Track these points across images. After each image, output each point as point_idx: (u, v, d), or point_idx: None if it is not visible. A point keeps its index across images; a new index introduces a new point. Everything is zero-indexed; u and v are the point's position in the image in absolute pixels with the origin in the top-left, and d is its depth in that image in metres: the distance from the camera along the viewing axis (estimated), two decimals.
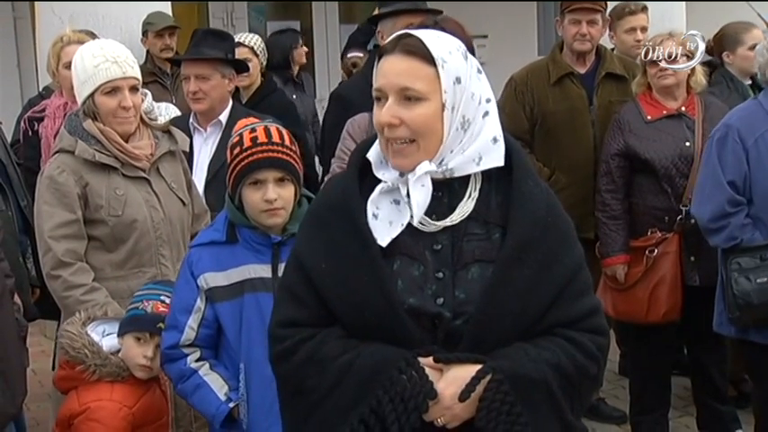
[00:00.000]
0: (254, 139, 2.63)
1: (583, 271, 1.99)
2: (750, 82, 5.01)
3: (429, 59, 1.87)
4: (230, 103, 4.18)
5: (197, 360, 2.71)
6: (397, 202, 1.92)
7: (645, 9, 5.28)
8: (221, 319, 2.68)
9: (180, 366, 2.71)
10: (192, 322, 2.68)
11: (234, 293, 2.66)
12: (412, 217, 1.91)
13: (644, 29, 5.21)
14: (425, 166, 1.88)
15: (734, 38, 4.97)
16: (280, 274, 2.59)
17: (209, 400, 2.68)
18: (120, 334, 2.93)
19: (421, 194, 1.88)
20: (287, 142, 2.68)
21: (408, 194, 1.90)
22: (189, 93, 4.09)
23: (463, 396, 1.84)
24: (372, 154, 1.98)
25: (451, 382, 1.85)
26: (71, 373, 2.89)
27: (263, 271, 2.66)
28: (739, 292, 3.57)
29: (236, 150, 2.64)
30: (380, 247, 1.90)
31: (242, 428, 2.69)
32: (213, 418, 2.70)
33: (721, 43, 4.98)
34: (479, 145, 1.91)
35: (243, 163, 2.61)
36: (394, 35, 1.95)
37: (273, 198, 2.62)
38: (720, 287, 3.72)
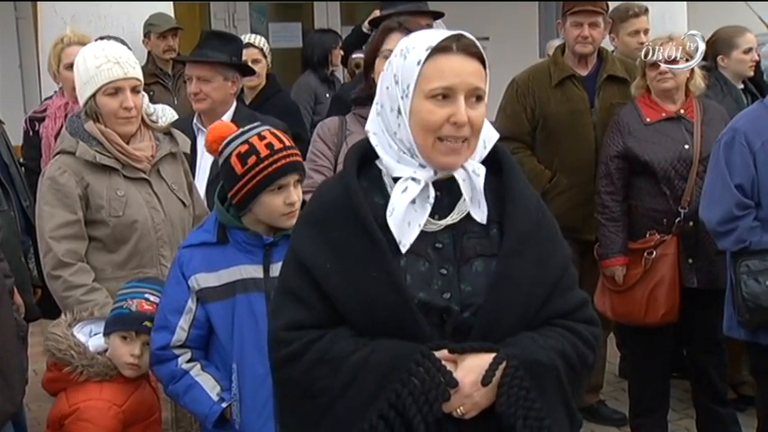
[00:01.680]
0: (269, 146, 2.64)
1: (571, 266, 2.06)
2: (742, 86, 5.02)
3: (483, 61, 1.93)
4: (234, 104, 4.18)
5: (188, 361, 2.71)
6: (413, 202, 1.93)
7: (647, 11, 5.29)
8: (213, 319, 2.68)
9: (171, 367, 2.71)
10: (184, 323, 2.69)
11: (225, 294, 2.66)
12: (428, 218, 1.94)
13: (646, 31, 5.22)
14: (475, 164, 1.95)
15: (728, 42, 4.98)
16: (272, 274, 2.62)
17: (201, 400, 2.69)
18: (106, 333, 2.92)
19: (476, 188, 1.94)
20: (292, 143, 2.72)
21: (436, 194, 1.93)
22: (191, 93, 4.12)
23: (486, 380, 1.86)
24: (387, 156, 1.96)
25: (470, 370, 1.87)
26: (59, 375, 2.88)
27: (255, 271, 2.67)
28: (749, 294, 3.58)
29: (252, 160, 2.62)
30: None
31: (235, 428, 2.69)
32: (206, 419, 2.71)
33: (715, 47, 4.99)
34: (484, 131, 1.99)
35: (266, 171, 2.61)
36: (448, 34, 1.94)
37: (296, 201, 2.65)
38: (730, 290, 3.73)
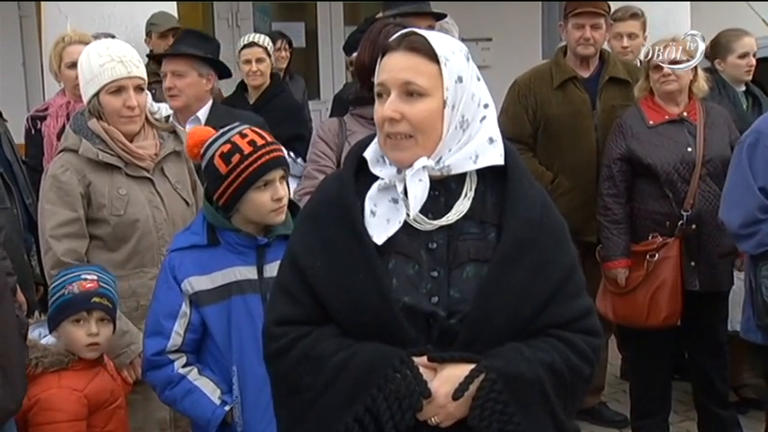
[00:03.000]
0: (252, 143, 2.63)
1: (576, 272, 2.00)
2: (744, 88, 5.01)
3: (432, 57, 1.90)
4: (210, 102, 4.16)
5: (184, 365, 2.68)
6: (394, 201, 1.93)
7: (634, 16, 5.21)
8: (209, 322, 2.65)
9: (167, 372, 2.67)
10: (179, 328, 2.65)
11: (220, 296, 2.64)
12: (408, 215, 1.92)
13: (631, 35, 5.17)
14: (423, 161, 1.89)
15: (725, 46, 4.96)
16: (265, 275, 2.62)
17: (202, 404, 2.65)
18: (54, 327, 2.87)
19: (418, 189, 1.89)
20: (273, 140, 2.71)
21: (405, 191, 1.91)
22: (165, 89, 4.11)
23: (456, 395, 1.85)
24: (369, 152, 1.99)
25: (445, 380, 1.86)
26: None
27: (249, 273, 2.66)
28: None
29: (236, 158, 2.60)
30: (376, 245, 1.91)
31: (236, 431, 2.66)
32: (209, 423, 2.66)
33: (714, 50, 4.98)
34: (476, 144, 1.93)
35: (251, 168, 2.60)
36: (398, 33, 1.96)
37: (283, 195, 2.64)
38: (749, 293, 3.71)
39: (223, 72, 4.31)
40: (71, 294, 2.87)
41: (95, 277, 2.91)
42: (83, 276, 2.90)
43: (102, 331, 2.87)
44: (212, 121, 3.87)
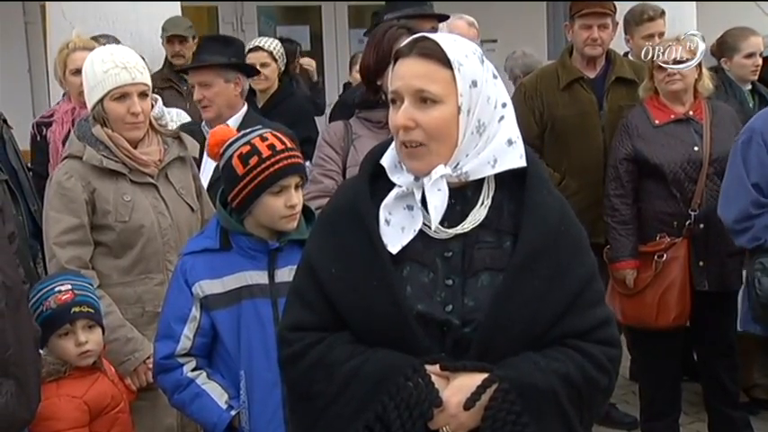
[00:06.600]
0: (271, 147, 2.62)
1: (595, 281, 1.97)
2: (750, 87, 4.99)
3: (445, 62, 1.87)
4: (244, 109, 4.12)
5: (193, 369, 2.67)
6: (410, 208, 1.91)
7: (663, 14, 5.24)
8: (218, 326, 2.65)
9: (176, 376, 2.67)
10: (188, 331, 2.65)
11: (231, 300, 2.64)
12: (425, 224, 1.90)
13: (661, 34, 5.17)
14: (441, 170, 1.87)
15: (731, 45, 4.96)
16: (276, 280, 2.62)
17: (209, 408, 2.64)
18: (42, 345, 2.81)
19: (438, 198, 1.87)
20: (294, 146, 2.70)
21: (423, 199, 1.89)
22: (196, 101, 4.10)
23: (468, 404, 1.83)
24: (387, 159, 1.97)
25: (457, 390, 1.84)
26: None
27: (260, 277, 2.65)
28: (762, 291, 3.61)
29: (254, 160, 2.60)
30: (390, 252, 1.89)
31: None
32: (215, 427, 2.66)
33: (721, 49, 4.97)
34: (494, 148, 1.91)
35: (268, 171, 2.60)
36: (410, 38, 1.95)
37: (297, 203, 2.64)
38: (746, 286, 3.76)
39: (250, 71, 4.29)
40: (50, 310, 2.84)
41: (69, 287, 2.87)
42: (56, 289, 2.86)
43: (90, 338, 2.85)
44: (244, 129, 3.85)
